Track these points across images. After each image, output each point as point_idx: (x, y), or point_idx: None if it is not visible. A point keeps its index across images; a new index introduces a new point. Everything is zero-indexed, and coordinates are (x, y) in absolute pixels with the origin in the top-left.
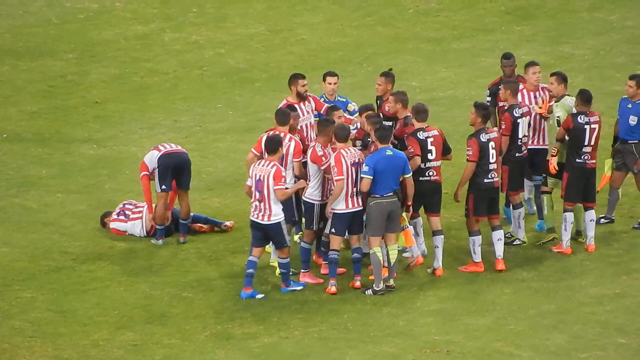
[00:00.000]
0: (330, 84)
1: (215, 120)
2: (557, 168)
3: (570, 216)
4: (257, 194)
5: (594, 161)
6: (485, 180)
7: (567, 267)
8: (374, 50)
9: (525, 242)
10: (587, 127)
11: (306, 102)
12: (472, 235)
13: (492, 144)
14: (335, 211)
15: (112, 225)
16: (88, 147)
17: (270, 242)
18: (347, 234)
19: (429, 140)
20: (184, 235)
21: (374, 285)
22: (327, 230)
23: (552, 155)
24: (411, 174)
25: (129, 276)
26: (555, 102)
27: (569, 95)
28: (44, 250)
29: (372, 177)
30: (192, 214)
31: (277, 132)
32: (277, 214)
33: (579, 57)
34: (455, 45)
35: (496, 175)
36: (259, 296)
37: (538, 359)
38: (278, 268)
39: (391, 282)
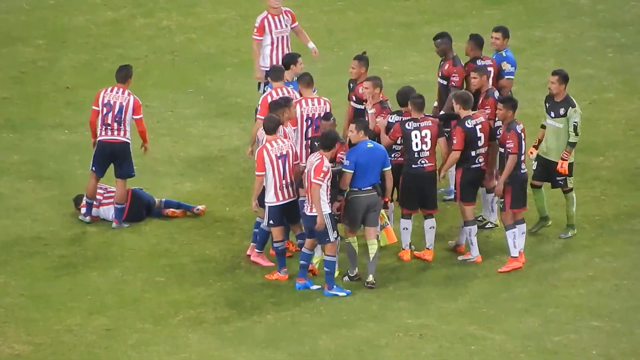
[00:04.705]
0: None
1: (187, 106)
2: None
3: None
4: (306, 184)
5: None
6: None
7: (539, 251)
8: (344, 35)
9: (497, 225)
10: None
11: (282, 15)
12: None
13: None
14: (268, 204)
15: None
16: (59, 133)
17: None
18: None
19: (477, 127)
20: (117, 221)
21: (348, 272)
22: (263, 225)
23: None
24: (390, 167)
25: (102, 261)
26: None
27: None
28: (16, 236)
29: (353, 172)
30: (164, 199)
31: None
32: (322, 207)
33: (549, 41)
34: (426, 29)
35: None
36: (314, 287)
37: (511, 342)
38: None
39: (370, 277)
